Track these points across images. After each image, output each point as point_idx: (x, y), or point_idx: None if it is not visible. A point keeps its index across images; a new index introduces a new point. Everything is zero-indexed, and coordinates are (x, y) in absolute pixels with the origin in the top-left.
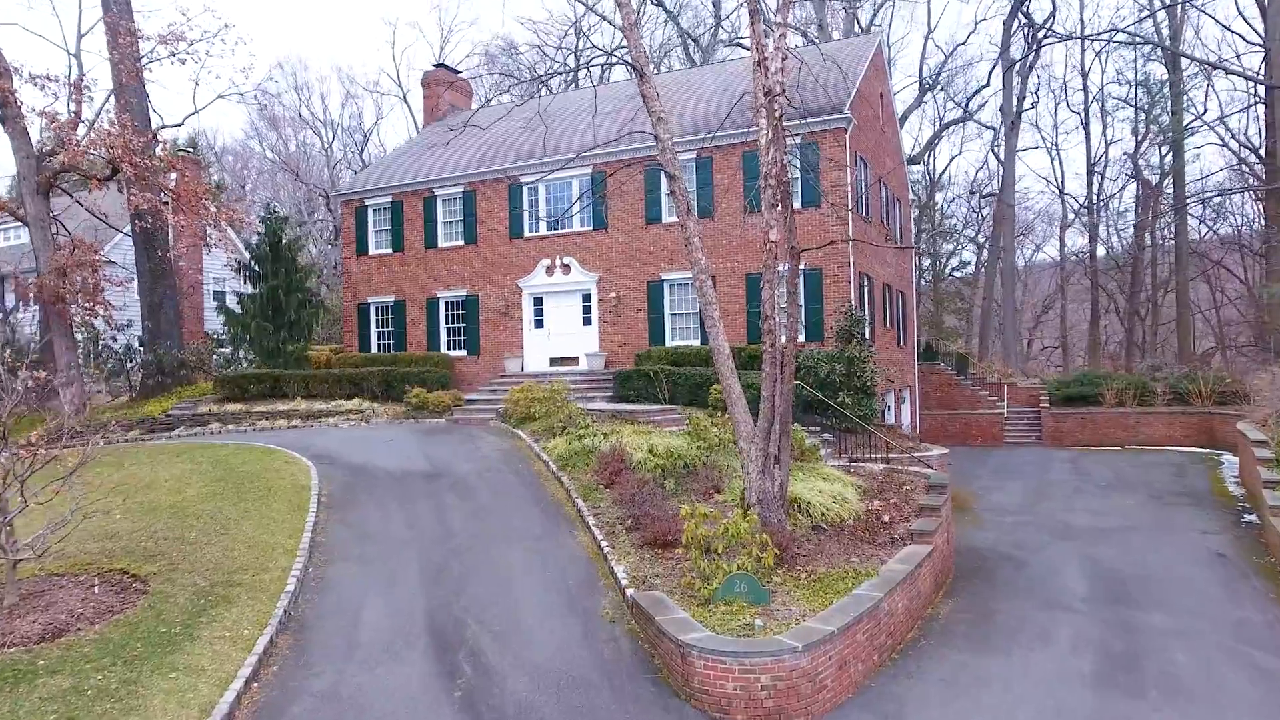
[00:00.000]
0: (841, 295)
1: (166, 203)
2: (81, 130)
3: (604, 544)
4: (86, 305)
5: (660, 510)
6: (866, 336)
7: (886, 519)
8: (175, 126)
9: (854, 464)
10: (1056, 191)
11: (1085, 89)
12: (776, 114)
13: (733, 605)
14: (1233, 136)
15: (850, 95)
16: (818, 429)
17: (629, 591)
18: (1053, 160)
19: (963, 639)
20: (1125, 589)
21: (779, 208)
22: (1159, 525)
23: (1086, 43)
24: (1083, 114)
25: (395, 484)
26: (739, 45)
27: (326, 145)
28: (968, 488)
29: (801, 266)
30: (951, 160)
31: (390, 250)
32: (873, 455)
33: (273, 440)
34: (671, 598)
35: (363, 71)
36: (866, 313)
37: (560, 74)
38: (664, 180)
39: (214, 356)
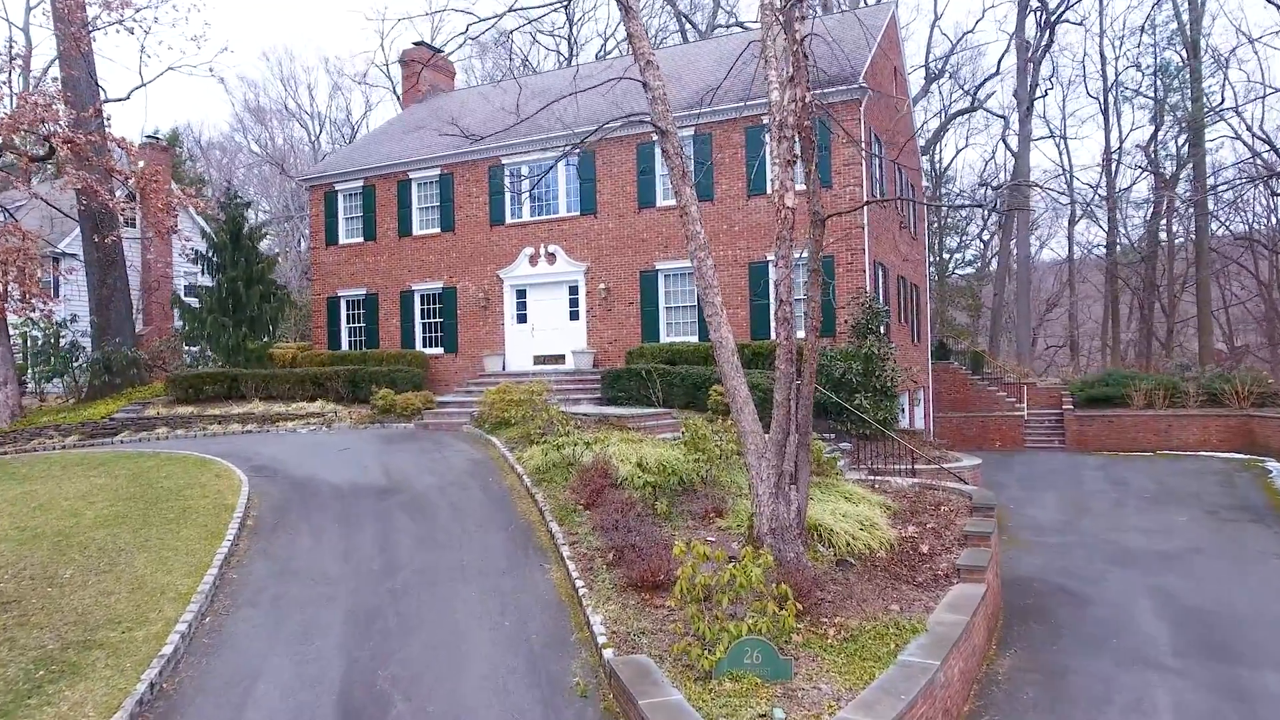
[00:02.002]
0: (855, 286)
1: (133, 195)
2: (15, 104)
3: (580, 583)
4: (23, 299)
5: (649, 540)
6: (883, 331)
7: (925, 549)
8: (121, 100)
9: (876, 477)
10: (1065, 184)
11: (1103, 74)
12: (797, 37)
13: (742, 681)
14: (1246, 128)
15: (866, 63)
16: (831, 435)
17: (607, 653)
18: (1061, 154)
19: (1035, 712)
20: (1217, 636)
21: (798, 164)
22: (1228, 548)
23: (1105, 24)
24: (1100, 99)
25: (339, 502)
26: (739, 26)
27: (314, 138)
28: (997, 499)
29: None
30: (958, 153)
31: (362, 239)
32: (897, 466)
33: (216, 448)
34: (661, 666)
35: (351, 63)
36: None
37: (548, 4)
38: (656, 139)
39: (183, 355)
